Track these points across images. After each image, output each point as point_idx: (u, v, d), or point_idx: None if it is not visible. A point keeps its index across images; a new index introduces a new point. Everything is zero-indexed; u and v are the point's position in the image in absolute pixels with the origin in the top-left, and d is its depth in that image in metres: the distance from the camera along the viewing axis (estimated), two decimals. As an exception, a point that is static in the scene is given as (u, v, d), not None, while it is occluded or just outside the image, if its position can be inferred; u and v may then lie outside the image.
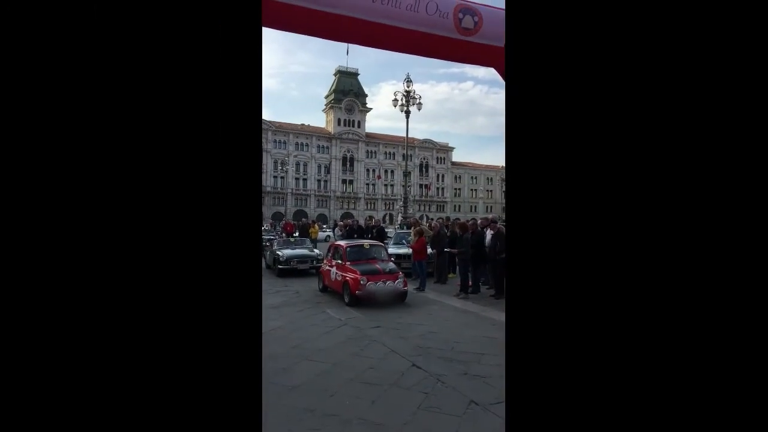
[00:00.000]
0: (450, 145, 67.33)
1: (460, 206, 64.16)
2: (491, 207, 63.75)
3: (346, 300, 7.03)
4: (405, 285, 7.16)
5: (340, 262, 7.52)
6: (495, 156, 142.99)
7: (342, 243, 8.20)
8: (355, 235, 12.46)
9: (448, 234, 9.23)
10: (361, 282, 6.77)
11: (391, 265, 7.56)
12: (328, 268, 7.97)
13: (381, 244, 8.93)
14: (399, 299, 7.10)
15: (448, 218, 11.35)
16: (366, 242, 8.55)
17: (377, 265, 7.30)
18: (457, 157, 68.31)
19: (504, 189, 64.77)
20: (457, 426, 2.93)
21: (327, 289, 8.03)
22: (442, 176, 65.71)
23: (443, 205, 63.40)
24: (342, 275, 7.26)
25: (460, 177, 67.32)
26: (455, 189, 66.76)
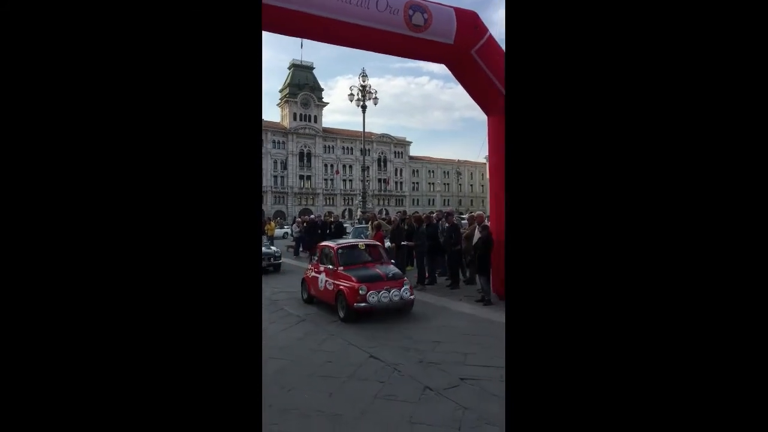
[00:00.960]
0: (407, 139, 67.98)
1: (418, 200, 65.00)
2: (448, 200, 65.08)
3: (342, 315, 5.64)
4: (411, 292, 5.88)
5: (330, 267, 6.16)
6: (451, 150, 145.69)
7: (331, 244, 6.74)
8: (319, 231, 12.62)
9: (406, 227, 9.38)
10: (360, 291, 5.47)
11: (394, 269, 6.22)
12: (314, 274, 6.61)
13: (378, 243, 7.34)
14: (405, 310, 5.85)
15: (404, 212, 11.56)
16: (361, 242, 7.07)
17: (377, 270, 5.94)
18: (414, 151, 69.11)
19: (460, 182, 66.15)
20: (412, 412, 3.04)
21: (314, 300, 6.69)
22: (400, 170, 66.24)
23: (402, 199, 63.98)
24: (334, 283, 5.92)
25: (417, 171, 68.14)
26: (413, 183, 67.53)
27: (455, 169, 67.79)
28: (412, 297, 5.83)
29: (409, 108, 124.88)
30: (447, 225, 8.18)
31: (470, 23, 6.22)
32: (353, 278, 5.69)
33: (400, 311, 5.82)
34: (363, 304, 5.48)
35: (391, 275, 5.89)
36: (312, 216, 16.30)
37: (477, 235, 6.87)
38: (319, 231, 13.00)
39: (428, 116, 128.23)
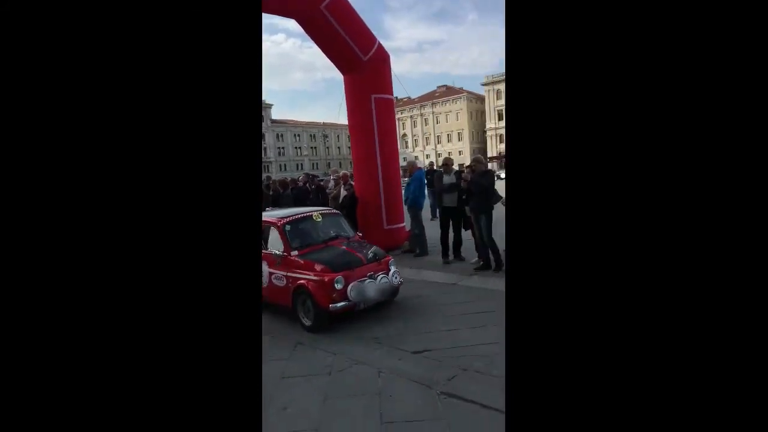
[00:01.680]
0: (268, 101, 64.68)
1: (285, 165, 63.22)
2: (317, 163, 64.66)
3: (308, 322, 3.81)
4: (399, 275, 4.22)
5: (276, 252, 4.03)
6: (316, 112, 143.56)
7: (271, 218, 4.30)
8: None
9: (271, 193, 9.15)
10: (336, 285, 3.67)
11: (370, 246, 4.40)
12: None
13: (337, 211, 5.12)
14: (392, 297, 4.28)
15: (269, 177, 11.15)
16: (315, 210, 4.64)
17: (351, 250, 4.13)
18: (276, 114, 66.33)
19: (327, 145, 65.98)
20: (284, 367, 3.12)
21: None
22: (264, 135, 63.21)
23: (268, 165, 61.48)
24: (287, 276, 3.95)
25: (282, 135, 65.77)
26: (279, 148, 65.20)
27: (321, 132, 67.19)
28: (401, 281, 4.23)
29: (267, 68, 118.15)
30: (313, 186, 8.22)
31: (318, -24, 6.04)
32: (321, 266, 3.78)
33: (388, 302, 4.20)
34: (342, 304, 3.67)
35: (371, 255, 4.08)
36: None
37: (343, 193, 7.04)
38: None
39: (289, 77, 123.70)
